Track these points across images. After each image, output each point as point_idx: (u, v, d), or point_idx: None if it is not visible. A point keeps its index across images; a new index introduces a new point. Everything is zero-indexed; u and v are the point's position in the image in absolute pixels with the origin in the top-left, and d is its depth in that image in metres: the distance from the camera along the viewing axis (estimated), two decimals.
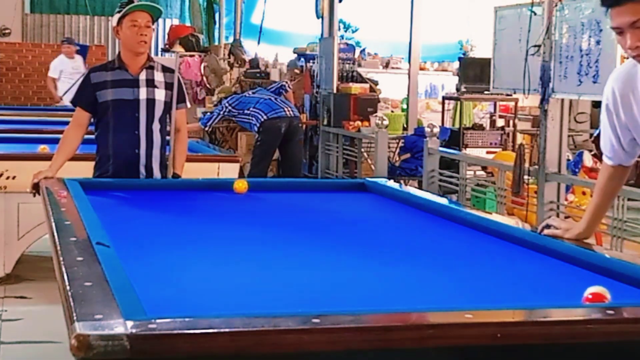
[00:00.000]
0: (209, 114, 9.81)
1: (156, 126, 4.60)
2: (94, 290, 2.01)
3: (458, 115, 10.76)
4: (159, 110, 4.60)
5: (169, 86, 4.63)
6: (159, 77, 4.63)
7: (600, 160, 3.04)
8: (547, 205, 5.60)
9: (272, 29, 13.96)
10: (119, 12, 4.58)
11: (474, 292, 2.40)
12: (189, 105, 4.85)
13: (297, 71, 11.23)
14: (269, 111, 9.02)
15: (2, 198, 5.69)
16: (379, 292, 2.36)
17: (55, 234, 2.72)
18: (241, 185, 4.07)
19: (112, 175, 4.52)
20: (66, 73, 12.19)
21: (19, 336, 4.76)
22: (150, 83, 4.59)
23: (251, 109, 9.12)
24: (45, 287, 5.45)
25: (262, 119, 8.98)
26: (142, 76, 4.58)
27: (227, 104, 9.35)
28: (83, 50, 14.45)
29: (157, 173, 4.62)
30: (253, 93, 9.50)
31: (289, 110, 9.13)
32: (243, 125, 9.66)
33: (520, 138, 11.06)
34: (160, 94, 4.60)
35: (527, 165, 6.02)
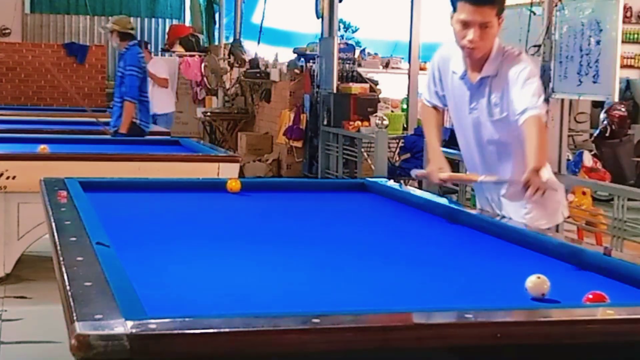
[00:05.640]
0: None
1: None
2: (94, 290, 2.01)
3: None
4: None
5: None
6: None
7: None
8: None
9: (272, 29, 13.93)
10: None
11: (474, 292, 2.40)
12: None
13: (297, 71, 11.22)
14: None
15: (2, 198, 5.68)
16: (379, 292, 2.36)
17: (55, 234, 2.72)
18: (235, 185, 4.07)
19: None
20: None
21: (19, 336, 4.76)
22: None
23: None
24: (45, 287, 5.45)
25: None
26: None
27: None
28: (82, 50, 14.46)
29: None
30: None
31: None
32: None
33: None
34: None
35: None
